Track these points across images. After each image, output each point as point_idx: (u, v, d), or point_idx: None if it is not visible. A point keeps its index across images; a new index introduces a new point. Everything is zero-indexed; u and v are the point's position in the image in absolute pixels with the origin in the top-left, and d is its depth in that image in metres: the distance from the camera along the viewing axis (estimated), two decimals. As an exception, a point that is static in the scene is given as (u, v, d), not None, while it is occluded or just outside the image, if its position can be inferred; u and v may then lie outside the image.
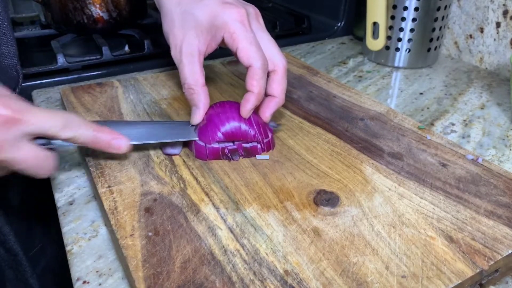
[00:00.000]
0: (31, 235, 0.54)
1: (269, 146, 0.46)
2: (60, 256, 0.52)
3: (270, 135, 0.46)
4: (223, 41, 0.45)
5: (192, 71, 0.44)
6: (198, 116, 0.44)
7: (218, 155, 0.44)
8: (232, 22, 0.43)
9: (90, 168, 0.42)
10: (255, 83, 0.43)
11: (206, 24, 0.44)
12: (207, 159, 0.44)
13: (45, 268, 0.61)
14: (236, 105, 0.45)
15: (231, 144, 0.44)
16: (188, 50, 0.45)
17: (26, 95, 0.63)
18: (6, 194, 0.50)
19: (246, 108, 0.44)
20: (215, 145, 0.44)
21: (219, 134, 0.43)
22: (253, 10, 0.47)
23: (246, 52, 0.43)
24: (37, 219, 0.54)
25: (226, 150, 0.44)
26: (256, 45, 0.43)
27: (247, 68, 0.43)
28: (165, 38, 0.48)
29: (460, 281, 0.30)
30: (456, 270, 0.31)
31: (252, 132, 0.44)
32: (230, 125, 0.44)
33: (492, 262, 0.31)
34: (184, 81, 0.45)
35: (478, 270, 0.31)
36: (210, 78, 0.63)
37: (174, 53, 0.46)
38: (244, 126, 0.44)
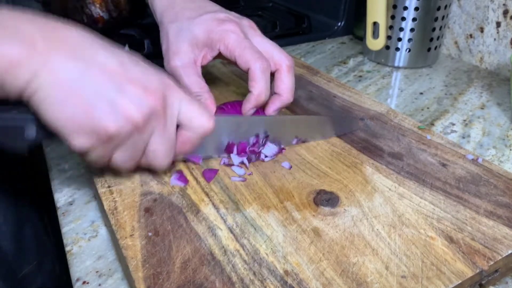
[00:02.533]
0: (26, 251, 0.54)
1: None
2: (56, 273, 0.52)
3: None
4: (220, 54, 0.46)
5: (194, 80, 0.46)
6: None
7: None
8: (227, 34, 0.45)
9: (90, 168, 0.42)
10: (254, 84, 0.44)
11: (202, 38, 0.46)
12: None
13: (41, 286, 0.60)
14: (239, 105, 0.46)
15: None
16: (185, 62, 0.46)
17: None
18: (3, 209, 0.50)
19: (246, 107, 0.45)
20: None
21: None
22: (247, 22, 0.48)
23: (243, 57, 0.44)
24: (34, 234, 0.54)
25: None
26: (251, 49, 0.44)
27: (247, 72, 0.44)
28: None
29: (460, 282, 0.30)
30: (456, 270, 0.31)
31: None
32: None
33: (492, 263, 0.31)
34: (190, 91, 0.46)
35: (478, 271, 0.31)
36: (210, 78, 0.63)
37: (172, 65, 0.47)
38: None
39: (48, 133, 0.33)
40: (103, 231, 0.39)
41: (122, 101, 0.32)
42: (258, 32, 0.48)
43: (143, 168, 0.41)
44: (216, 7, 0.49)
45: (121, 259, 0.34)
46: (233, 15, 0.48)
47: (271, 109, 0.46)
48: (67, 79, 0.31)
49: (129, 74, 0.33)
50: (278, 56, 0.46)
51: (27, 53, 0.30)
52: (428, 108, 0.62)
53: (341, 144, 0.46)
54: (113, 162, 0.36)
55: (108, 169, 0.40)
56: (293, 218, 0.36)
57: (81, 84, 0.31)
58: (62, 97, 0.31)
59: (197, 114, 0.37)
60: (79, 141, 0.32)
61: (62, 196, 0.44)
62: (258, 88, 0.43)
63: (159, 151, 0.36)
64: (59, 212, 0.42)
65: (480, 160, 0.43)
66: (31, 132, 0.33)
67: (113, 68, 0.33)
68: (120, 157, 0.35)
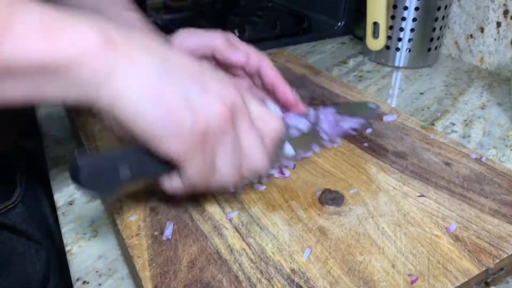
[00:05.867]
0: (34, 261, 0.54)
1: None
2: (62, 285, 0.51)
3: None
4: None
5: None
6: None
7: None
8: None
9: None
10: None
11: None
12: None
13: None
14: None
15: None
16: None
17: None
18: (11, 218, 0.50)
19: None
20: None
21: None
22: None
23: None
24: (41, 243, 0.54)
25: None
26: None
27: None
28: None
29: (466, 279, 0.30)
30: (462, 268, 0.31)
31: None
32: None
33: (497, 261, 0.32)
34: None
35: (483, 269, 0.31)
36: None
37: None
38: None
39: (142, 169, 0.31)
40: (103, 231, 0.39)
41: (207, 97, 0.30)
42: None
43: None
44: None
45: (127, 258, 0.34)
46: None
47: (286, 95, 0.45)
48: (153, 78, 0.28)
49: (206, 71, 0.32)
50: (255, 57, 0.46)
51: (105, 44, 0.27)
52: (428, 108, 0.62)
53: (345, 143, 0.47)
54: (218, 173, 0.32)
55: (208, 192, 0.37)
56: (298, 217, 0.36)
57: (167, 83, 0.29)
58: (148, 98, 0.28)
59: (267, 113, 0.35)
60: (173, 146, 0.29)
61: (62, 196, 0.44)
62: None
63: (254, 146, 0.33)
64: (59, 212, 0.41)
65: (483, 159, 0.43)
66: (125, 171, 0.30)
67: (191, 67, 0.31)
68: (223, 162, 0.32)
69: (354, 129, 0.48)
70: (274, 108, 0.44)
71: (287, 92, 0.45)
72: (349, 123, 0.47)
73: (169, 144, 0.29)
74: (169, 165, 0.31)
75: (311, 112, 0.45)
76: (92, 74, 0.26)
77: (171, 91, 0.28)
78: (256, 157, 0.33)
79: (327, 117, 0.45)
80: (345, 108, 0.48)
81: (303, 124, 0.43)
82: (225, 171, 0.32)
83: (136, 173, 0.31)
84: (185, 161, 0.30)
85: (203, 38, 0.45)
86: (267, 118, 0.35)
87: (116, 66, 0.27)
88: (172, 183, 0.32)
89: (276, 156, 0.40)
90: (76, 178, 0.28)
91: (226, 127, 0.31)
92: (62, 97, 0.27)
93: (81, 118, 0.50)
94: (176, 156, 0.29)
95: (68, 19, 0.26)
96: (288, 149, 0.42)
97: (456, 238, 0.34)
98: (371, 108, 0.51)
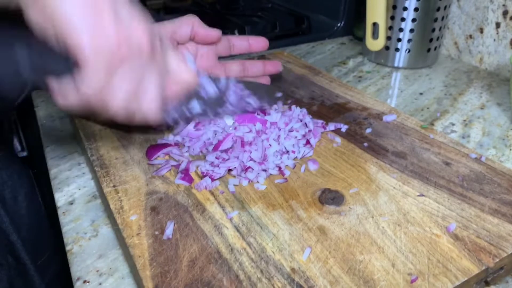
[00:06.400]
0: (38, 243, 0.54)
1: None
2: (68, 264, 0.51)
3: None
4: None
5: None
6: None
7: None
8: None
9: (95, 168, 0.42)
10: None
11: None
12: None
13: (53, 277, 0.60)
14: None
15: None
16: None
17: (26, 96, 0.63)
18: (13, 201, 0.50)
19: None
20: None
21: None
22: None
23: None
24: (44, 226, 0.54)
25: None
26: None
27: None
28: None
29: (466, 279, 0.30)
30: (462, 267, 0.31)
31: None
32: None
33: (497, 260, 0.32)
34: None
35: (483, 268, 0.31)
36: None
37: None
38: None
39: (41, 65, 0.30)
40: (103, 230, 0.39)
41: (137, 21, 0.31)
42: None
43: (147, 167, 0.41)
44: None
45: (128, 258, 0.34)
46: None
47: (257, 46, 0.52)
48: None
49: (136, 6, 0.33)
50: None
51: None
52: (428, 108, 0.62)
53: (345, 143, 0.47)
54: (112, 101, 0.33)
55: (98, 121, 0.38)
56: (298, 216, 0.36)
57: None
58: None
59: (183, 64, 0.36)
60: (88, 42, 0.29)
61: (62, 196, 0.44)
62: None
63: (154, 93, 0.34)
64: (59, 212, 0.41)
65: (483, 159, 0.43)
66: (24, 58, 0.29)
67: None
68: (118, 86, 0.32)
69: (255, 109, 0.48)
70: (191, 63, 0.44)
71: (258, 40, 0.51)
72: (254, 103, 0.48)
73: (86, 38, 0.29)
74: (71, 65, 0.30)
75: (222, 80, 0.46)
76: None
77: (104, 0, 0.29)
78: (150, 104, 0.34)
79: (235, 90, 0.47)
80: (254, 87, 0.50)
81: (212, 89, 0.44)
82: (120, 100, 0.32)
83: (35, 63, 0.30)
84: (89, 63, 0.30)
85: (176, 20, 0.46)
86: (183, 68, 0.36)
87: None
88: (67, 90, 0.31)
89: (181, 109, 0.41)
90: None
91: (140, 55, 0.32)
92: None
93: (81, 118, 0.50)
94: (85, 52, 0.29)
95: None
96: (195, 106, 0.42)
97: (456, 238, 0.34)
98: (276, 96, 0.52)
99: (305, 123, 0.48)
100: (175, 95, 0.38)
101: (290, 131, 0.46)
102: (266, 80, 0.57)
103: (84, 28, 0.29)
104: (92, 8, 0.29)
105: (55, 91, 0.32)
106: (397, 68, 0.76)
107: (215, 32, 0.47)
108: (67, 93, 0.32)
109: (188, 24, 0.46)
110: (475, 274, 0.31)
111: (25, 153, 0.74)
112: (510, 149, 0.52)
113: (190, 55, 0.46)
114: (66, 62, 0.31)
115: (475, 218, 0.36)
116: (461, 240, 0.33)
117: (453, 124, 0.58)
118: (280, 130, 0.45)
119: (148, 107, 0.35)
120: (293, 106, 0.51)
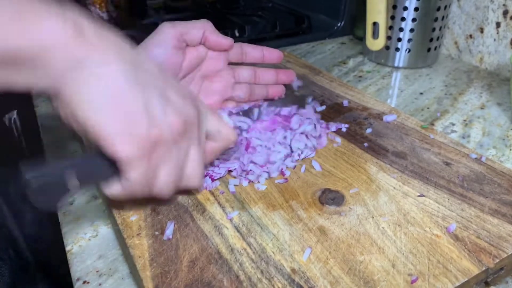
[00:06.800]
0: (40, 239, 0.54)
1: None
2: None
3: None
4: None
5: None
6: None
7: None
8: None
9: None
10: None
11: None
12: None
13: (55, 272, 0.60)
14: None
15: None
16: None
17: (26, 96, 0.63)
18: (16, 197, 0.50)
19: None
20: None
21: None
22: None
23: None
24: (47, 221, 0.54)
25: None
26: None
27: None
28: None
29: (466, 279, 0.30)
30: (462, 268, 0.31)
31: None
32: None
33: (497, 260, 0.32)
34: None
35: (483, 268, 0.31)
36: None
37: None
38: None
39: (89, 175, 0.31)
40: (103, 230, 0.39)
41: (166, 107, 0.30)
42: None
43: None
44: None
45: (128, 258, 0.34)
46: None
47: (273, 54, 0.51)
48: (120, 79, 0.28)
49: (169, 81, 0.32)
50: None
51: (77, 36, 0.27)
52: (428, 108, 0.62)
53: (345, 143, 0.47)
54: (157, 185, 0.32)
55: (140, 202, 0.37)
56: (298, 217, 0.36)
57: (132, 87, 0.29)
58: (109, 97, 0.28)
59: (223, 125, 0.37)
60: (123, 147, 0.28)
61: (64, 195, 0.44)
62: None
63: (197, 164, 0.34)
64: (59, 212, 0.41)
65: (483, 159, 0.43)
66: (73, 180, 0.30)
67: (157, 75, 0.31)
68: (165, 173, 0.32)
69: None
70: (227, 119, 0.45)
71: (272, 51, 0.50)
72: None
73: (120, 144, 0.29)
74: (115, 169, 0.30)
75: (255, 111, 0.49)
76: (60, 64, 0.27)
77: (134, 95, 0.29)
78: (195, 175, 0.35)
79: (267, 112, 0.50)
80: (282, 102, 0.53)
81: (246, 125, 0.47)
82: (164, 182, 0.32)
83: (83, 179, 0.30)
84: (130, 165, 0.30)
85: (189, 23, 0.46)
86: (223, 130, 0.37)
87: (84, 59, 0.27)
88: (113, 187, 0.32)
89: (226, 158, 0.42)
90: (27, 194, 0.28)
91: (177, 139, 0.32)
92: (29, 85, 0.27)
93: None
94: (123, 157, 0.29)
95: (39, 7, 0.26)
96: (230, 152, 0.43)
97: (456, 238, 0.34)
98: (305, 97, 0.55)
99: (314, 125, 0.47)
100: (215, 156, 0.38)
101: (301, 133, 0.46)
102: (278, 91, 0.54)
103: (119, 132, 0.28)
104: (121, 112, 0.28)
105: (103, 187, 0.32)
106: (397, 67, 0.76)
107: (226, 41, 0.46)
108: (115, 189, 0.32)
109: (200, 28, 0.45)
110: (475, 275, 0.31)
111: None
112: (510, 149, 0.52)
113: (225, 113, 0.47)
114: (110, 167, 0.31)
115: (475, 219, 0.36)
116: (461, 240, 0.33)
117: (453, 124, 0.58)
118: (291, 131, 0.46)
119: (192, 178, 0.35)
120: (308, 106, 0.52)
